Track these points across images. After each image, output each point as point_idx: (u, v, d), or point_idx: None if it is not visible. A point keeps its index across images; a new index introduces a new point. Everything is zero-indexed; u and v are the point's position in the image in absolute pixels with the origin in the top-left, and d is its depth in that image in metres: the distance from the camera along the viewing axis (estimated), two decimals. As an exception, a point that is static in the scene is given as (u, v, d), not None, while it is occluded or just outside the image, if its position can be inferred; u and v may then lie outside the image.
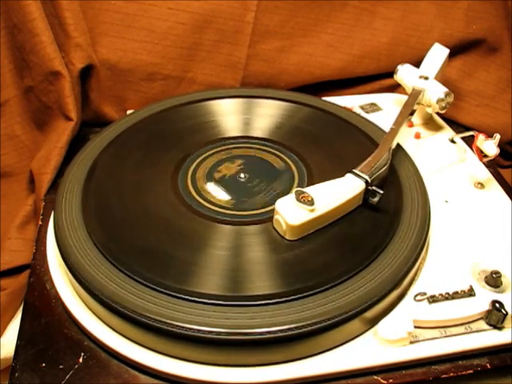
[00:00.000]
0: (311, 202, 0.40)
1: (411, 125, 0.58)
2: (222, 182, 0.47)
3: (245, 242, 0.41)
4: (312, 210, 0.40)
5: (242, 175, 0.48)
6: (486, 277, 0.41)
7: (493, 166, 0.54)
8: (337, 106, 0.58)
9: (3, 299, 0.46)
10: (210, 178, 0.48)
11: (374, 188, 0.42)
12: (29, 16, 0.53)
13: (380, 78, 0.66)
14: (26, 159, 0.58)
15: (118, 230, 0.42)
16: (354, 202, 0.43)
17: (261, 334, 0.34)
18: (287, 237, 0.41)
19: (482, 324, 0.38)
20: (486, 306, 0.38)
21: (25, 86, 0.57)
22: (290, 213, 0.40)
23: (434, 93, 0.54)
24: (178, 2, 0.60)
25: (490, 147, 0.48)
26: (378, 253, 0.40)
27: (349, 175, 0.44)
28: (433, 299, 0.39)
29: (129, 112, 0.58)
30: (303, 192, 0.41)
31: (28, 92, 0.57)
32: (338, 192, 0.42)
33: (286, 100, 0.57)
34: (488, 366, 0.37)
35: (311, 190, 0.41)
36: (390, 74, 0.61)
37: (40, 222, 0.48)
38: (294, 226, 0.40)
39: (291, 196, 0.41)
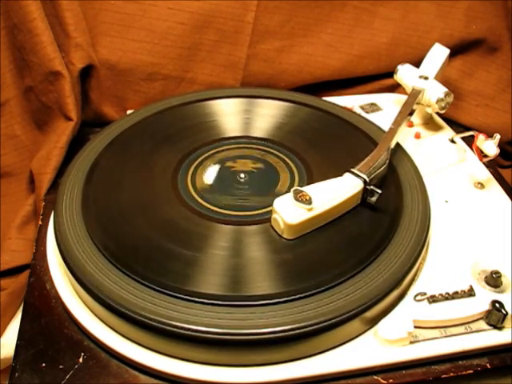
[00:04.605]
0: (309, 201, 0.40)
1: (411, 125, 0.58)
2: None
3: (244, 242, 0.41)
4: (310, 209, 0.40)
5: (242, 175, 0.48)
6: (486, 277, 0.41)
7: (493, 166, 0.54)
8: (337, 105, 0.58)
9: (3, 299, 0.46)
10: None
11: (372, 187, 0.42)
12: (29, 16, 0.53)
13: (380, 78, 0.66)
14: (26, 159, 0.58)
15: (117, 229, 0.42)
16: (352, 201, 0.43)
17: (261, 334, 0.34)
18: (285, 236, 0.41)
19: (482, 324, 0.38)
20: (486, 306, 0.38)
21: (25, 86, 0.57)
22: (288, 212, 0.40)
23: (434, 93, 0.54)
24: (178, 2, 0.60)
25: (490, 147, 0.48)
26: (378, 253, 0.40)
27: (347, 174, 0.44)
28: (433, 299, 0.39)
29: (129, 112, 0.58)
30: (301, 191, 0.41)
31: (28, 92, 0.57)
32: (335, 191, 0.42)
33: (286, 100, 0.57)
34: (488, 365, 0.37)
35: (309, 189, 0.41)
36: (390, 73, 0.61)
37: (40, 222, 0.48)
38: (292, 225, 0.40)
39: (289, 195, 0.41)
